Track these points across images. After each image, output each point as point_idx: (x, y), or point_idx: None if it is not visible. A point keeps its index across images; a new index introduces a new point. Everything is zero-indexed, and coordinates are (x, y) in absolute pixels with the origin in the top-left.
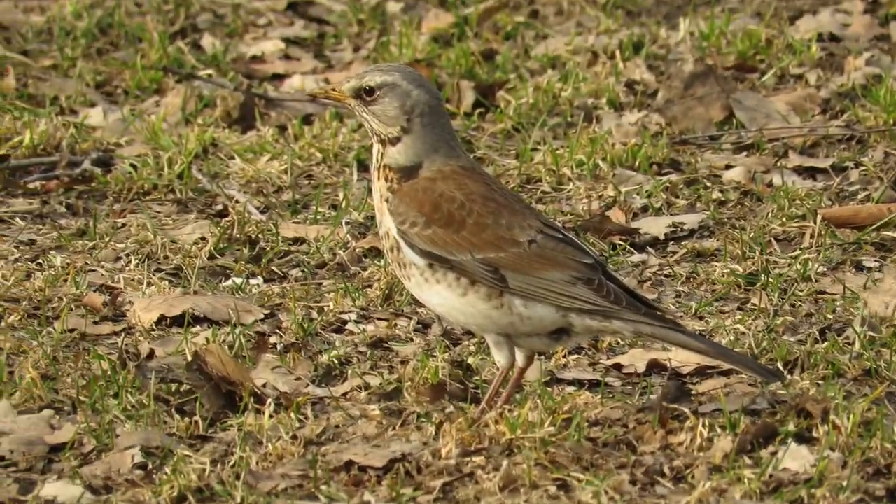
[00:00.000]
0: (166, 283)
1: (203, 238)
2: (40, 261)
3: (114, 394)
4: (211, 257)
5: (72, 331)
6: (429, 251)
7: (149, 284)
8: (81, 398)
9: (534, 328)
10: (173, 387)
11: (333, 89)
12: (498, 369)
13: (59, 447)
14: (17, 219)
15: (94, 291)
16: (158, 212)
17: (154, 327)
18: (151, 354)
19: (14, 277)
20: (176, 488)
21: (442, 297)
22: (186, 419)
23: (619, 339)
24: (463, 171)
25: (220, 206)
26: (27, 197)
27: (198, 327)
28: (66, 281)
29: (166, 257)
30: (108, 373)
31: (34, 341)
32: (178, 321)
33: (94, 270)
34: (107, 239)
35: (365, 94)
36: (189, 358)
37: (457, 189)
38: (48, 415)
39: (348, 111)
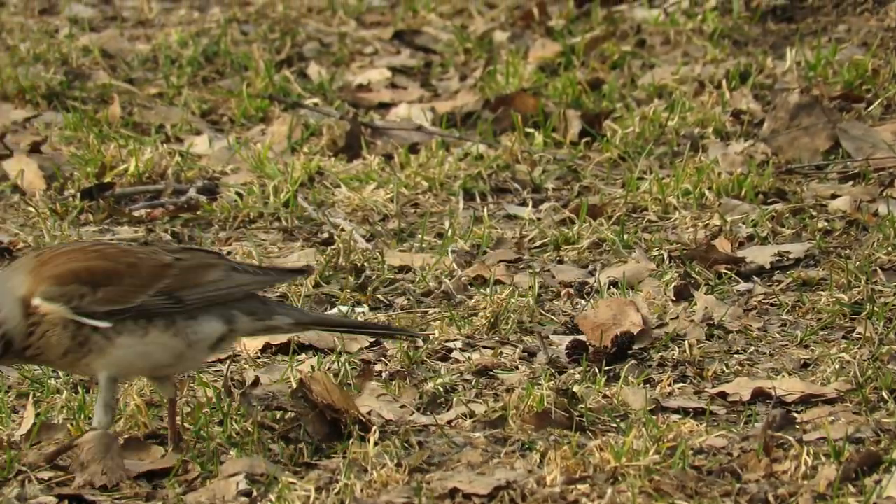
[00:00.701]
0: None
1: (308, 266)
2: None
3: (219, 421)
4: (316, 285)
5: None
6: (110, 310)
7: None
8: (186, 425)
9: (202, 347)
10: (278, 414)
11: None
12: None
13: (163, 474)
14: None
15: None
16: (264, 240)
17: (259, 355)
18: (256, 382)
19: None
20: None
21: (126, 346)
22: (291, 446)
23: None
24: (56, 249)
25: (325, 235)
26: (132, 225)
27: (303, 355)
28: None
29: (272, 285)
30: (213, 400)
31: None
32: (284, 349)
33: None
34: None
35: None
36: (294, 385)
37: (73, 255)
38: (152, 442)
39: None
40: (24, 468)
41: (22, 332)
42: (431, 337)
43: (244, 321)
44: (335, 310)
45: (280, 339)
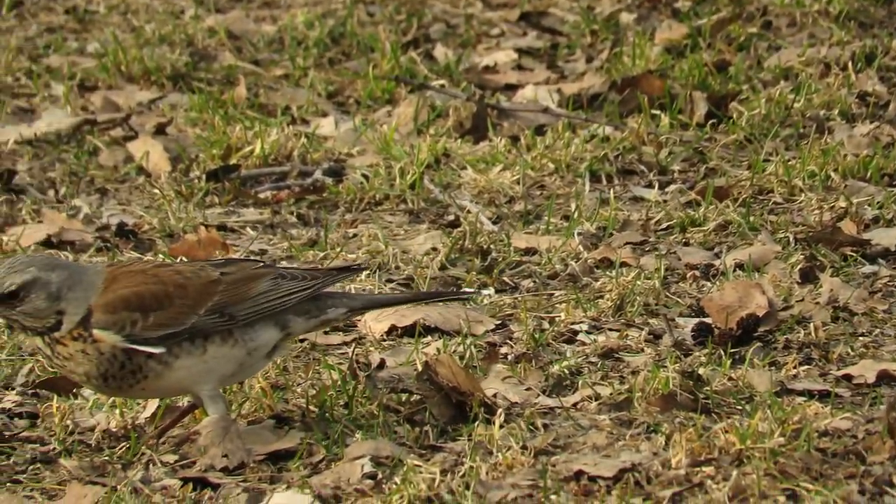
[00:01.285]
0: (398, 293)
1: (435, 248)
2: None
3: (344, 403)
4: (442, 268)
5: (302, 341)
6: (164, 334)
7: (380, 295)
8: (311, 408)
9: (260, 356)
10: (403, 397)
11: None
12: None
13: (288, 456)
14: (248, 228)
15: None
16: (390, 222)
17: (385, 337)
18: (382, 364)
19: None
20: (405, 498)
21: (186, 368)
22: (416, 429)
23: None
24: (117, 267)
25: (451, 217)
26: (258, 207)
27: (429, 337)
28: None
29: (398, 267)
30: (339, 382)
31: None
32: (409, 331)
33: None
34: (338, 249)
35: (9, 299)
36: (420, 368)
37: (139, 275)
38: (277, 425)
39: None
40: (148, 451)
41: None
42: (486, 298)
43: (298, 322)
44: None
45: (406, 321)
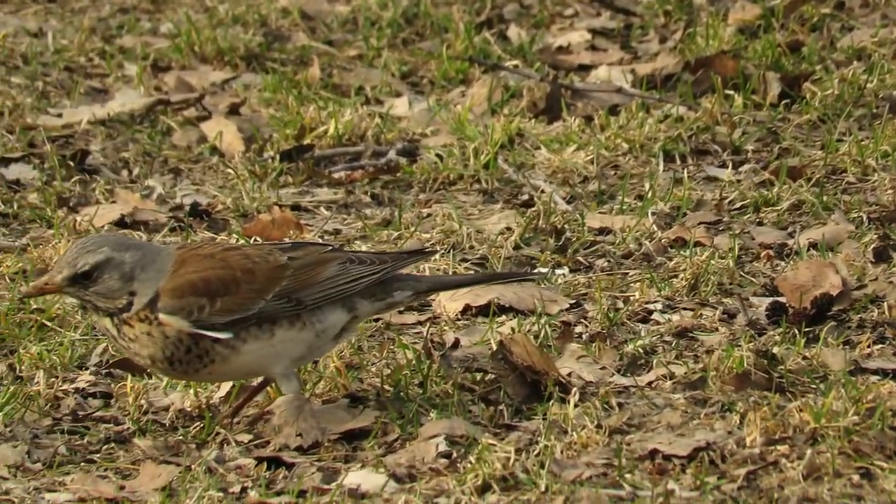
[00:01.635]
0: (472, 272)
1: (509, 228)
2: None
3: (419, 383)
4: (516, 247)
5: (377, 320)
6: (230, 320)
7: (454, 274)
8: (386, 387)
9: (328, 337)
10: (478, 376)
11: (46, 283)
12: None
13: (362, 435)
14: (322, 208)
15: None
16: (464, 202)
17: (459, 316)
18: (457, 344)
19: None
20: (480, 477)
21: (253, 352)
22: (491, 408)
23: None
24: (188, 250)
25: (525, 197)
26: (332, 187)
27: (503, 317)
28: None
29: (472, 247)
30: (414, 362)
31: None
32: (484, 311)
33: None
34: (412, 229)
35: (83, 279)
36: (494, 347)
37: (208, 260)
38: (352, 404)
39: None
40: (222, 431)
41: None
42: (560, 278)
43: (365, 305)
44: (535, 271)
45: (480, 301)
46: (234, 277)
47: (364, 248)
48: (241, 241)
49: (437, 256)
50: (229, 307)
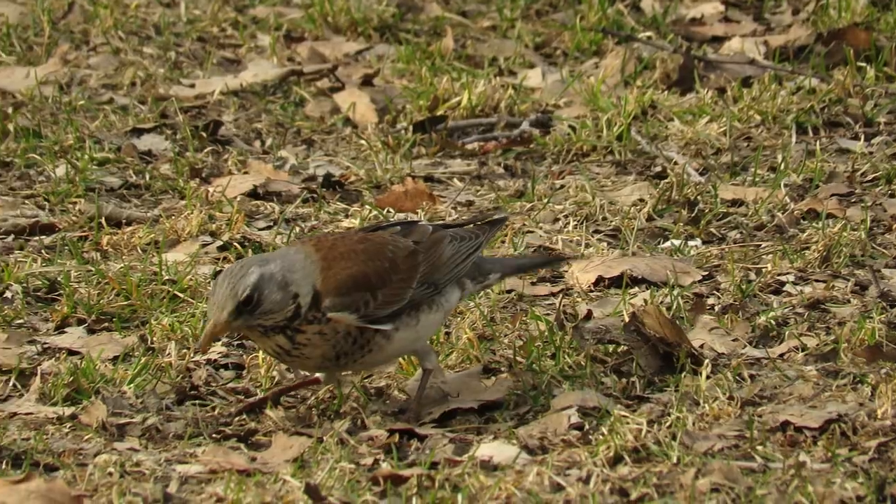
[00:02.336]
0: (604, 244)
1: (642, 200)
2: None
3: (551, 354)
4: (649, 219)
5: (509, 292)
6: (391, 312)
7: (587, 246)
8: (518, 359)
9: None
10: (610, 347)
11: (214, 326)
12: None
13: (494, 407)
14: (455, 180)
15: (533, 252)
16: (597, 173)
17: (592, 288)
18: (589, 315)
19: None
20: (612, 448)
21: (402, 338)
22: (623, 380)
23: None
24: (320, 242)
25: (658, 168)
26: (465, 158)
27: (635, 288)
28: (503, 242)
29: (605, 218)
30: (546, 333)
31: (471, 302)
32: (616, 282)
33: (531, 231)
34: (545, 200)
35: (244, 306)
36: (626, 319)
37: (352, 254)
38: (483, 376)
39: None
40: (355, 403)
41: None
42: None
43: (469, 285)
44: (668, 243)
45: (613, 272)
46: (384, 269)
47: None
48: (351, 228)
49: (571, 227)
50: (388, 299)
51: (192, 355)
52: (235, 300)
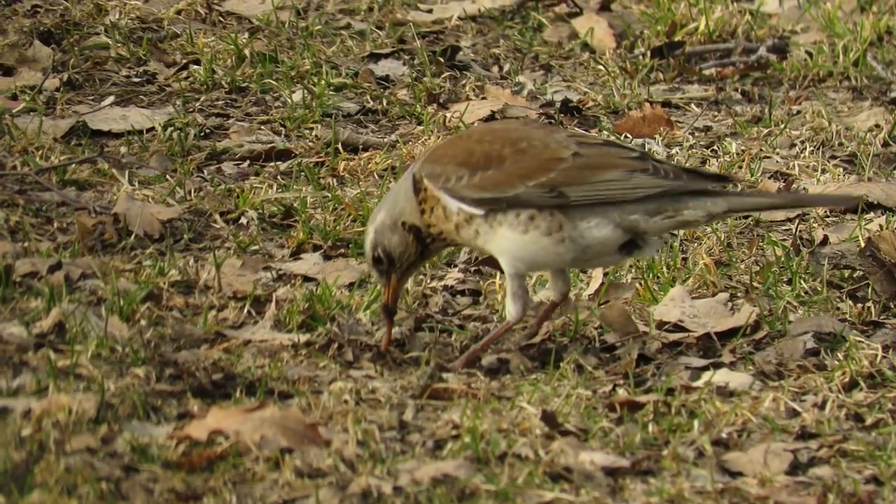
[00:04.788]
0: (840, 169)
1: (878, 125)
2: (715, 147)
3: (787, 280)
4: (885, 144)
5: (746, 217)
6: (481, 197)
7: (823, 171)
8: (755, 284)
9: (597, 252)
10: (846, 273)
11: (384, 296)
12: (507, 320)
13: (730, 333)
14: (693, 105)
15: (769, 178)
16: (833, 99)
17: (828, 213)
18: (825, 241)
19: (692, 164)
20: (847, 374)
21: (506, 238)
22: (859, 305)
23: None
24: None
25: (894, 94)
26: (702, 84)
27: (871, 214)
28: (740, 168)
29: (841, 144)
30: (782, 259)
31: (708, 228)
32: (852, 208)
33: (768, 157)
34: (782, 126)
35: (383, 261)
36: (862, 244)
37: (479, 135)
38: (724, 299)
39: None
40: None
41: (415, 210)
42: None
43: (648, 222)
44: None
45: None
46: (500, 155)
47: (734, 146)
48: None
49: (807, 153)
50: (485, 184)
51: (427, 281)
52: (371, 267)
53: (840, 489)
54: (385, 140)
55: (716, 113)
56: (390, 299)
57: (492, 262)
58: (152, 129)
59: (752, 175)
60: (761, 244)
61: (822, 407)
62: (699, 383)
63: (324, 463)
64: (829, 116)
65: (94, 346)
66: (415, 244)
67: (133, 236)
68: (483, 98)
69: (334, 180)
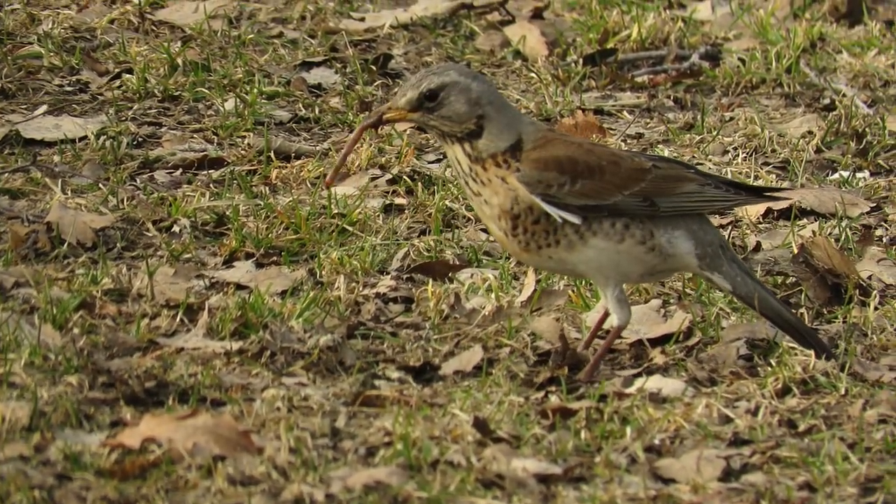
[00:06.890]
0: (773, 175)
1: (810, 132)
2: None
3: None
4: (818, 150)
5: None
6: (584, 204)
7: (756, 178)
8: (688, 290)
9: (672, 267)
10: (779, 279)
11: (389, 108)
12: (614, 326)
13: (663, 339)
14: (625, 112)
15: None
16: (766, 105)
17: (761, 220)
18: (758, 247)
19: None
20: (780, 380)
21: (598, 248)
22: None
23: None
24: (555, 133)
25: (827, 101)
26: (635, 91)
27: (804, 220)
28: None
29: (774, 151)
30: None
31: None
32: (785, 214)
33: (701, 164)
34: (714, 133)
35: (428, 101)
36: (795, 251)
37: (574, 145)
38: (656, 305)
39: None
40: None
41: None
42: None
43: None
44: (836, 175)
45: (781, 204)
46: (599, 165)
47: (666, 152)
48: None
49: (739, 160)
50: (587, 191)
51: (360, 289)
52: (417, 91)
53: (773, 496)
54: (317, 148)
55: (648, 120)
56: (377, 119)
57: (424, 269)
58: (85, 137)
59: None
60: None
61: (754, 413)
62: (632, 390)
63: (256, 470)
64: (762, 123)
65: (27, 354)
66: (470, 130)
67: (66, 245)
68: None
69: (267, 188)
